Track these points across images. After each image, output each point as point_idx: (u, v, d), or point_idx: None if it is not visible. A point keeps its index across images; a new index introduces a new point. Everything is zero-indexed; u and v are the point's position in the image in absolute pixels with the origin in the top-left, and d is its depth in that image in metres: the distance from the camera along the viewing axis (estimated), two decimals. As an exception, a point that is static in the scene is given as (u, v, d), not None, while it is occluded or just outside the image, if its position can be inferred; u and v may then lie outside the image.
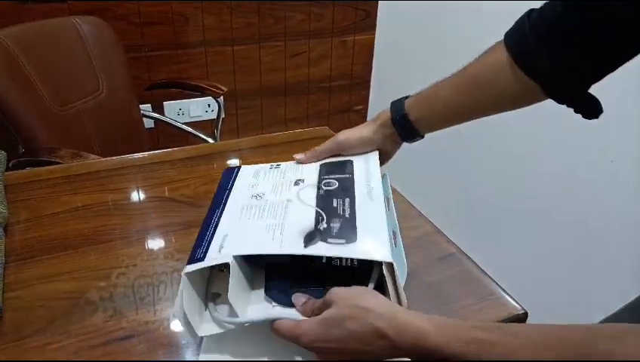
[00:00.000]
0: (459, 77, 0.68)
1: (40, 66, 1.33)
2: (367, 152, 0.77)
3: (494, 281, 0.67)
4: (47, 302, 0.61)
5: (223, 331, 0.54)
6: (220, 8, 1.85)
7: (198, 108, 2.01)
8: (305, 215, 0.63)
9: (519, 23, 0.62)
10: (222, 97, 1.68)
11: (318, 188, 0.71)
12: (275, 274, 0.61)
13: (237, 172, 0.81)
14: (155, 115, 1.83)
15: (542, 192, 1.50)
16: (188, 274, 0.56)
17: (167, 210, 0.80)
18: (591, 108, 0.59)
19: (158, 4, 1.75)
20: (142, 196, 0.86)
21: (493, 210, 1.71)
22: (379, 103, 2.27)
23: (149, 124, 1.86)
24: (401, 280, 0.57)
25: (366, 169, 0.74)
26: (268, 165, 0.81)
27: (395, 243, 0.61)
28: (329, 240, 0.58)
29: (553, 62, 0.58)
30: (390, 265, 0.54)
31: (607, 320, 0.74)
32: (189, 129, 1.74)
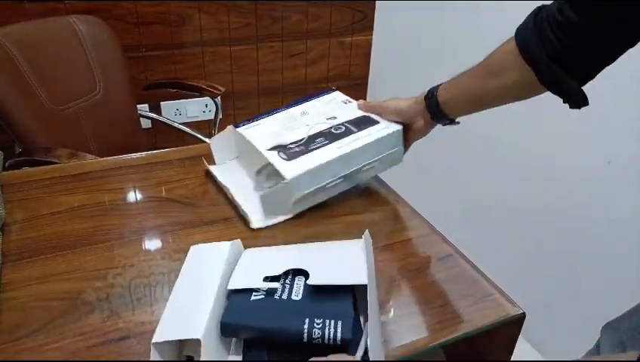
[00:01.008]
0: (479, 64, 0.72)
1: (37, 66, 1.32)
2: (396, 123, 0.83)
3: (492, 282, 0.67)
4: (44, 302, 0.61)
5: None
6: (217, 8, 1.85)
7: (196, 109, 2.01)
8: None
9: (530, 13, 0.65)
10: (219, 97, 1.67)
11: None
12: (252, 343, 0.53)
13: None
14: (153, 115, 1.82)
15: (539, 192, 1.51)
16: (156, 344, 0.50)
17: (164, 211, 0.80)
18: (578, 99, 0.63)
19: (156, 4, 1.75)
20: (139, 196, 0.85)
21: (489, 211, 1.71)
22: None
23: (146, 124, 1.86)
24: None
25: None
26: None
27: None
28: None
29: (545, 50, 0.61)
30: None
31: (608, 325, 0.74)
32: (187, 129, 1.73)
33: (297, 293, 0.53)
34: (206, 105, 2.01)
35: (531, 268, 1.55)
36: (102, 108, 1.49)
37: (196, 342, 0.47)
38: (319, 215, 0.80)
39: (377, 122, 0.84)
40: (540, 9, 0.63)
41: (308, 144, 0.80)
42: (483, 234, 1.71)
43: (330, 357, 0.45)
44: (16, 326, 0.57)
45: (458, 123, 0.80)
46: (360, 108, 0.89)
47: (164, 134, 1.93)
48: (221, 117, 1.74)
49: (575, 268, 1.41)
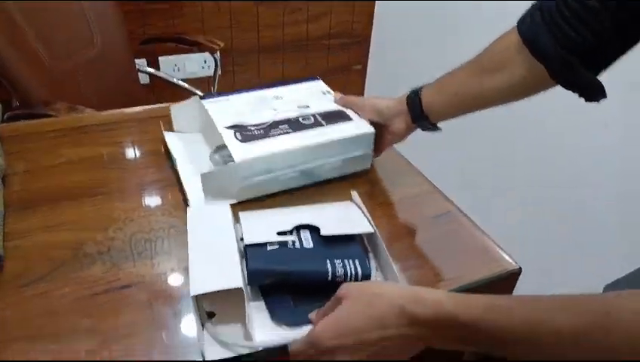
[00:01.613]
0: (471, 62, 0.67)
1: (33, 19, 1.29)
2: (373, 123, 0.77)
3: (490, 238, 0.68)
4: (47, 251, 0.61)
5: (231, 355, 0.50)
6: (216, -40, 1.79)
7: (194, 64, 1.97)
8: None
9: (532, 7, 0.60)
10: (218, 53, 1.64)
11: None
12: (273, 292, 0.56)
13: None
14: (151, 70, 1.79)
15: (538, 153, 1.51)
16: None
17: (164, 165, 0.80)
18: (594, 92, 0.58)
19: (153, -45, 1.69)
20: (138, 151, 0.85)
21: (491, 170, 1.71)
22: (378, 63, 2.24)
23: (144, 79, 1.83)
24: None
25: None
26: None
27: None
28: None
29: (557, 43, 0.56)
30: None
31: (608, 287, 0.75)
32: (185, 85, 1.71)
33: (308, 243, 0.58)
34: (205, 61, 1.98)
35: (529, 226, 1.57)
36: (99, 63, 1.46)
37: (216, 297, 0.50)
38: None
39: (350, 119, 0.78)
40: (541, 3, 0.59)
41: (269, 129, 0.74)
42: (483, 193, 1.72)
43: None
44: (21, 274, 0.58)
45: (439, 129, 0.75)
46: (337, 102, 0.83)
47: (163, 90, 1.91)
48: (220, 73, 1.71)
49: (573, 228, 1.43)
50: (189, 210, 0.63)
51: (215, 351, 0.50)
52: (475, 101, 0.68)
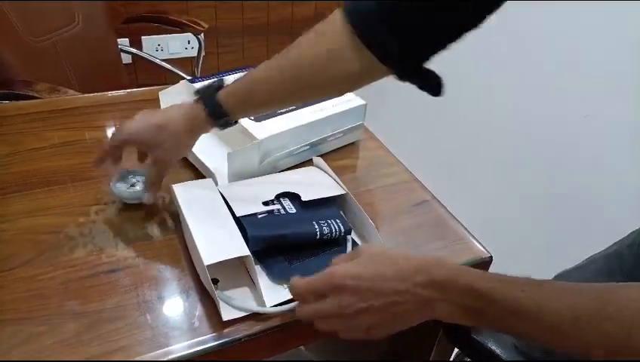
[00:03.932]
0: (283, 70, 0.59)
1: (11, -6, 1.26)
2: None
3: (464, 227, 0.71)
4: (34, 235, 0.62)
5: (244, 314, 0.54)
6: (201, -62, 1.76)
7: (178, 45, 1.95)
8: None
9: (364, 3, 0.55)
10: (202, 34, 1.63)
11: None
12: (265, 255, 0.61)
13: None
14: (133, 50, 1.77)
15: (515, 144, 1.54)
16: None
17: (149, 150, 0.81)
18: (434, 85, 0.56)
19: None
20: (123, 134, 0.85)
21: (469, 160, 1.75)
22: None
23: (126, 59, 1.81)
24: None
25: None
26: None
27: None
28: None
29: (395, 38, 0.53)
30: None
31: (571, 271, 0.79)
32: (168, 66, 1.69)
33: (292, 209, 0.65)
34: (189, 42, 1.96)
35: (504, 216, 1.62)
36: (81, 41, 1.44)
37: (219, 266, 0.53)
38: (302, 158, 0.81)
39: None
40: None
41: None
42: (461, 183, 1.76)
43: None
44: (9, 257, 0.59)
45: (235, 123, 0.65)
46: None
47: (145, 70, 1.89)
48: (204, 54, 1.70)
49: (545, 218, 1.48)
50: (174, 187, 0.65)
51: (231, 312, 0.54)
52: (297, 100, 0.70)
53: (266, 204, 0.64)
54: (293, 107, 0.80)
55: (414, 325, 0.48)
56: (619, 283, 0.43)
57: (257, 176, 0.72)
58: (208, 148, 0.79)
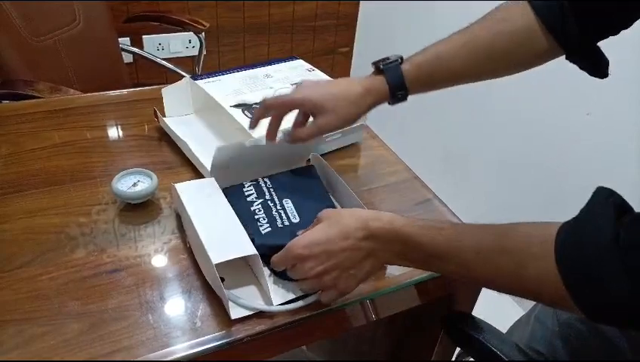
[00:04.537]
0: (472, 49, 0.62)
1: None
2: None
3: (466, 226, 0.71)
4: (35, 235, 0.62)
5: (251, 313, 0.55)
6: (202, -63, 1.76)
7: (179, 44, 1.95)
8: None
9: None
10: (203, 33, 1.63)
11: None
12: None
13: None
14: (134, 49, 1.77)
15: (517, 143, 1.54)
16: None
17: (149, 149, 0.81)
18: (603, 66, 0.61)
19: None
20: (124, 134, 0.86)
21: (470, 158, 1.74)
22: (365, 46, 2.23)
23: (127, 58, 1.80)
24: None
25: None
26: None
27: None
28: None
29: (578, 21, 0.58)
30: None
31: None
32: (169, 65, 1.69)
33: (294, 217, 0.64)
34: (189, 41, 1.95)
35: (505, 214, 1.61)
36: (82, 41, 1.44)
37: (225, 265, 0.53)
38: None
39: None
40: None
41: None
42: (463, 181, 1.76)
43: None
44: (10, 257, 0.59)
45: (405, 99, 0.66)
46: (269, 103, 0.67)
47: (146, 69, 1.89)
48: (205, 53, 1.70)
49: (545, 217, 1.47)
50: (176, 186, 0.64)
51: (239, 311, 0.54)
52: (474, 80, 0.66)
53: (267, 207, 0.64)
54: None
55: (374, 274, 0.56)
56: (522, 222, 0.47)
57: (249, 174, 0.70)
58: (205, 143, 0.79)
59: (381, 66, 0.64)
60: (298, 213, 0.64)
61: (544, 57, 0.63)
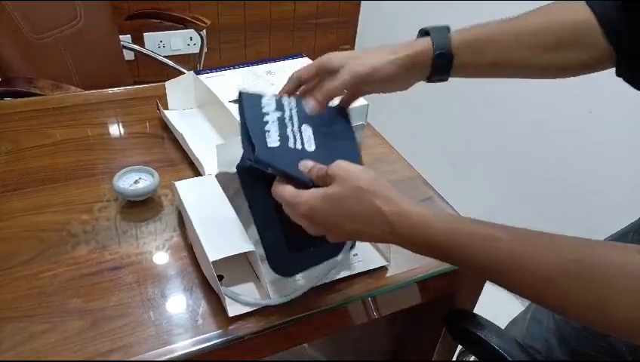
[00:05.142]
0: (522, 31, 0.58)
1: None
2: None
3: (468, 224, 0.71)
4: (36, 233, 0.62)
5: (249, 310, 0.55)
6: None
7: (180, 41, 1.95)
8: None
9: None
10: (204, 31, 1.63)
11: None
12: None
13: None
14: (135, 46, 1.77)
15: (519, 141, 1.54)
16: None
17: (151, 146, 0.81)
18: None
19: None
20: (125, 131, 0.85)
21: (471, 155, 1.74)
22: (366, 44, 2.23)
23: (128, 55, 1.81)
24: None
25: None
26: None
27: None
28: None
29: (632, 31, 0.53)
30: None
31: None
32: (171, 63, 1.69)
33: (310, 145, 0.55)
34: (191, 38, 1.95)
35: (507, 212, 1.61)
36: (83, 38, 1.44)
37: (224, 262, 0.53)
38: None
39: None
40: None
41: None
42: (465, 179, 1.75)
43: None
44: (10, 255, 0.59)
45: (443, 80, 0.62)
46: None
47: (147, 67, 1.89)
48: (206, 51, 1.70)
49: (550, 213, 1.47)
50: (177, 184, 0.64)
51: (237, 308, 0.54)
52: (514, 72, 0.61)
53: (282, 123, 0.55)
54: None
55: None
56: (601, 243, 0.40)
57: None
58: (204, 138, 0.79)
59: (426, 29, 0.58)
60: (316, 144, 0.55)
61: (590, 63, 0.58)
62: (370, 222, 0.46)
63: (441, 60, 0.57)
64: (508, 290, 0.44)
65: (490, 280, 0.44)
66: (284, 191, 0.49)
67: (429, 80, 0.60)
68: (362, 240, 0.50)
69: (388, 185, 0.47)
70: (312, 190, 0.48)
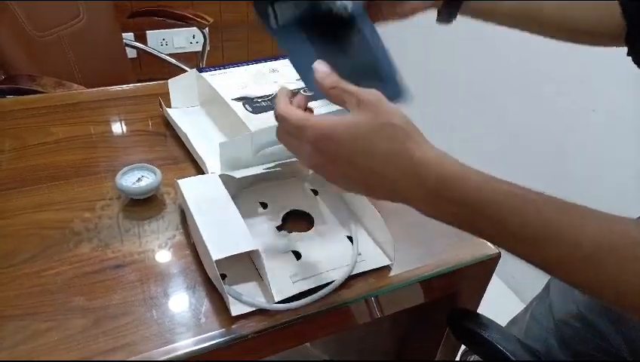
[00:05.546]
0: None
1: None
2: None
3: (472, 223, 0.70)
4: (38, 230, 0.62)
5: (253, 309, 0.54)
6: None
7: (182, 39, 1.95)
8: None
9: None
10: (207, 28, 1.63)
11: None
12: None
13: None
14: (138, 44, 1.77)
15: (522, 140, 1.53)
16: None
17: (154, 144, 0.81)
18: None
19: None
20: (128, 129, 0.85)
21: (475, 154, 1.74)
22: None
23: (131, 53, 1.81)
24: None
25: None
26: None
27: None
28: None
29: None
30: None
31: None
32: (173, 60, 1.70)
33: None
34: (193, 36, 1.95)
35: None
36: (86, 35, 1.44)
37: (227, 261, 0.53)
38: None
39: None
40: None
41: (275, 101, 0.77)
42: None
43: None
44: (13, 253, 0.59)
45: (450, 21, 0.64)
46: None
47: (150, 65, 1.89)
48: (209, 49, 1.70)
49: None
50: (179, 182, 0.64)
51: (240, 308, 0.54)
52: (522, 18, 0.63)
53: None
54: None
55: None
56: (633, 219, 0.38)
57: (251, 167, 0.69)
58: (206, 136, 0.79)
59: None
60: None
61: (599, 28, 0.61)
62: (394, 166, 0.39)
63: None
64: (537, 265, 0.39)
65: (519, 252, 0.39)
66: (292, 113, 0.42)
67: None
68: (374, 190, 0.42)
69: (421, 132, 0.42)
70: (331, 116, 0.41)
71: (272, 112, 0.74)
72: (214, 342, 0.51)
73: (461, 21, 0.66)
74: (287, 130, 0.44)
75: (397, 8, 0.60)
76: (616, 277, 0.36)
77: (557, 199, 0.39)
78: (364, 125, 0.40)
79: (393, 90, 0.50)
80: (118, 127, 0.85)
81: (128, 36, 1.80)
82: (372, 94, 0.41)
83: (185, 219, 0.66)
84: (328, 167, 0.42)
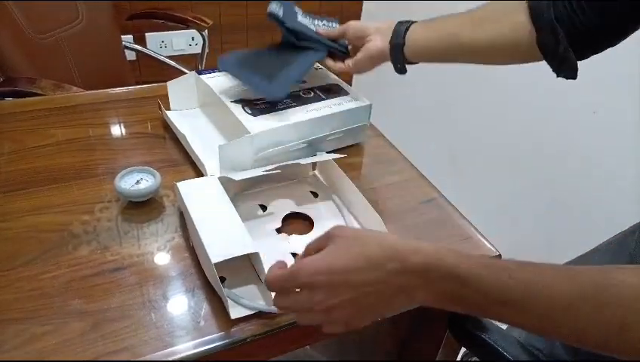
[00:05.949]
0: (466, 12, 0.70)
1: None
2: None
3: (472, 224, 0.70)
4: (37, 233, 0.62)
5: (252, 312, 0.54)
6: None
7: (182, 42, 1.95)
8: None
9: None
10: (206, 31, 1.62)
11: None
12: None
13: None
14: (137, 46, 1.76)
15: (523, 141, 1.53)
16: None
17: (153, 146, 0.80)
18: (569, 70, 0.62)
19: None
20: (127, 131, 0.85)
21: (475, 155, 1.74)
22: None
23: (130, 56, 1.80)
24: None
25: None
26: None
27: None
28: None
29: (557, 15, 0.59)
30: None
31: (576, 261, 0.78)
32: (172, 63, 1.69)
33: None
34: (192, 39, 1.95)
35: (510, 212, 1.61)
36: (85, 38, 1.44)
37: (226, 264, 0.52)
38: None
39: (347, 93, 0.83)
40: None
41: (275, 103, 0.77)
42: (468, 178, 1.75)
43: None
44: (12, 256, 0.58)
45: (405, 72, 0.78)
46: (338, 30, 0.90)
47: (149, 67, 1.89)
48: (208, 51, 1.70)
49: (552, 215, 1.47)
50: (179, 185, 0.64)
51: (239, 311, 0.53)
52: (456, 49, 0.71)
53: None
54: (294, 104, 0.78)
55: (397, 313, 0.47)
56: (612, 267, 0.40)
57: (251, 170, 0.70)
58: (206, 138, 0.79)
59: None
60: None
61: (518, 51, 0.66)
62: (377, 264, 0.43)
63: (397, 48, 0.75)
64: (521, 326, 0.43)
65: (503, 318, 0.43)
66: (278, 273, 0.46)
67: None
68: (365, 300, 0.44)
69: (390, 235, 0.47)
70: (309, 256, 0.46)
71: (271, 114, 0.75)
72: (214, 345, 0.51)
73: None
74: (284, 288, 0.47)
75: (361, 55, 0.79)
76: (596, 322, 0.38)
77: (530, 263, 0.43)
78: (336, 247, 0.45)
79: (270, 89, 0.76)
80: (117, 130, 0.85)
81: (127, 38, 1.79)
82: (334, 229, 0.47)
83: (184, 221, 0.65)
84: (329, 308, 0.44)
